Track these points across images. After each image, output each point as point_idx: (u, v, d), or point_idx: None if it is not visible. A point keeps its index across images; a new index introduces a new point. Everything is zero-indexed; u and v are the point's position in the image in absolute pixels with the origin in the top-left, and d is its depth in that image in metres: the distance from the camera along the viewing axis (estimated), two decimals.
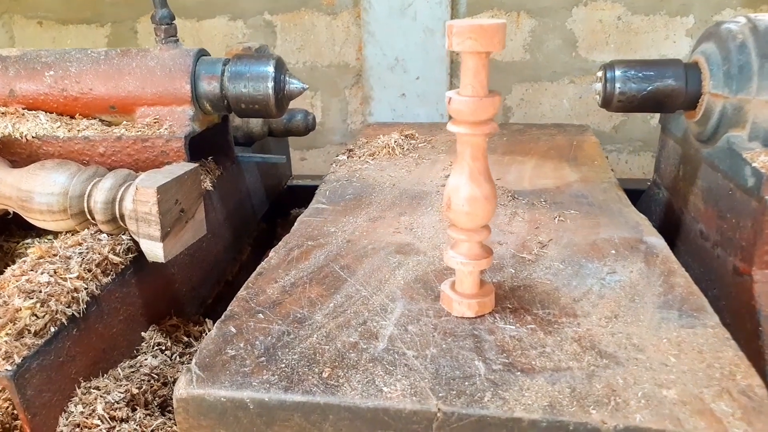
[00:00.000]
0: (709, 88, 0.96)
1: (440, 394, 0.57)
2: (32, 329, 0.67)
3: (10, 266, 0.77)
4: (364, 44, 1.93)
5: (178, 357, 0.86)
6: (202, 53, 1.06)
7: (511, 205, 1.02)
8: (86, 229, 0.86)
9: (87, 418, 0.69)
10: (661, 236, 0.88)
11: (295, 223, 0.97)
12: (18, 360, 0.63)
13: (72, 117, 1.06)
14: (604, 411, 0.55)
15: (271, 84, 1.02)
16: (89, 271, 0.76)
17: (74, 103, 1.05)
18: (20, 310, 0.67)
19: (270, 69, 1.02)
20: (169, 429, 0.72)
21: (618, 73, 1.01)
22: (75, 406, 0.70)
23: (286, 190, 1.63)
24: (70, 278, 0.73)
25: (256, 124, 1.35)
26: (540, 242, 0.88)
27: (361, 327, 0.68)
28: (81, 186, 0.85)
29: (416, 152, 1.32)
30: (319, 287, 0.77)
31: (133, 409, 0.73)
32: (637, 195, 1.32)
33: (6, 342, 0.64)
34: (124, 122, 1.05)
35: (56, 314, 0.69)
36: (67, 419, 0.69)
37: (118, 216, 0.84)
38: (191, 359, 0.63)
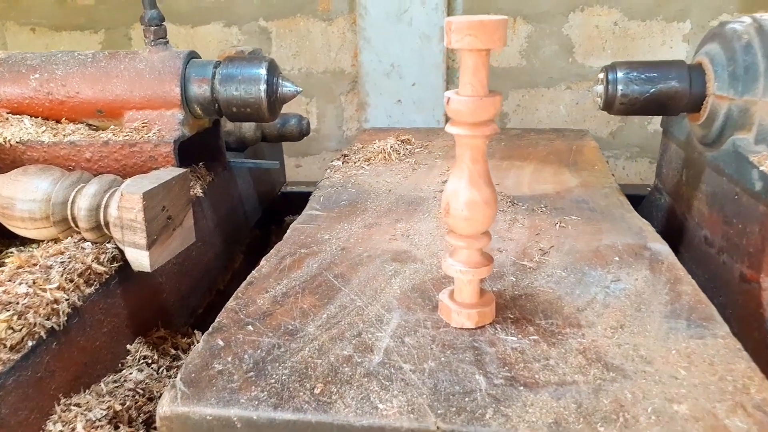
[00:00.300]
0: (714, 90, 0.94)
1: (439, 411, 0.54)
2: (8, 343, 0.63)
3: None
4: (359, 50, 1.91)
5: (165, 370, 0.82)
6: (192, 55, 1.04)
7: (511, 211, 0.99)
8: (69, 238, 0.83)
9: None
10: (665, 242, 0.86)
11: (288, 230, 0.94)
12: None
13: (58, 121, 1.03)
14: (613, 428, 0.52)
15: (263, 87, 0.99)
16: (71, 281, 0.73)
17: (60, 107, 1.01)
18: None
19: (262, 71, 0.99)
20: None
21: (620, 74, 0.99)
22: (54, 424, 0.66)
23: (280, 197, 1.60)
24: (49, 289, 0.69)
25: (248, 128, 1.32)
26: (541, 249, 0.85)
27: (355, 339, 0.65)
28: (64, 192, 0.82)
29: (413, 157, 1.30)
30: (311, 297, 0.73)
31: (116, 427, 0.69)
32: (637, 200, 1.29)
33: None
34: (112, 126, 1.02)
35: (34, 327, 0.66)
36: None
37: (102, 223, 0.81)
38: (178, 373, 0.60)
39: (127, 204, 0.75)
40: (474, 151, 0.60)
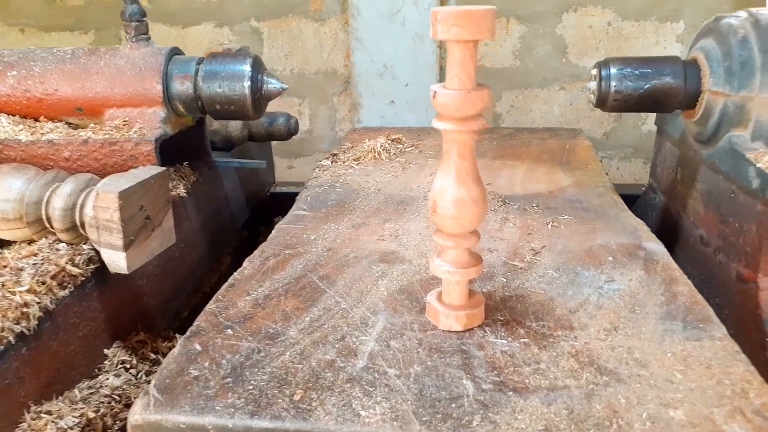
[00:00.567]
0: (709, 86, 0.92)
1: (424, 418, 0.51)
2: None
3: None
4: (352, 51, 1.89)
5: (144, 375, 0.79)
6: (174, 52, 1.01)
7: (502, 211, 0.97)
8: (44, 239, 0.80)
9: None
10: (660, 242, 0.84)
11: (273, 231, 0.91)
12: None
13: (36, 120, 1.00)
14: None
15: (247, 83, 0.96)
16: (43, 283, 0.70)
17: (38, 105, 0.98)
18: None
19: (246, 68, 0.97)
20: None
21: (613, 70, 0.97)
22: None
23: (269, 197, 1.57)
24: (19, 292, 0.66)
25: (235, 127, 1.29)
26: (533, 249, 0.83)
27: (338, 343, 0.62)
28: (39, 191, 0.79)
29: (403, 157, 1.27)
30: (295, 300, 0.71)
31: None
32: (631, 200, 1.27)
33: None
34: (92, 125, 0.99)
35: (2, 332, 0.63)
36: None
37: (78, 224, 0.78)
38: (152, 379, 0.57)
39: (102, 203, 0.72)
40: (461, 146, 0.58)
